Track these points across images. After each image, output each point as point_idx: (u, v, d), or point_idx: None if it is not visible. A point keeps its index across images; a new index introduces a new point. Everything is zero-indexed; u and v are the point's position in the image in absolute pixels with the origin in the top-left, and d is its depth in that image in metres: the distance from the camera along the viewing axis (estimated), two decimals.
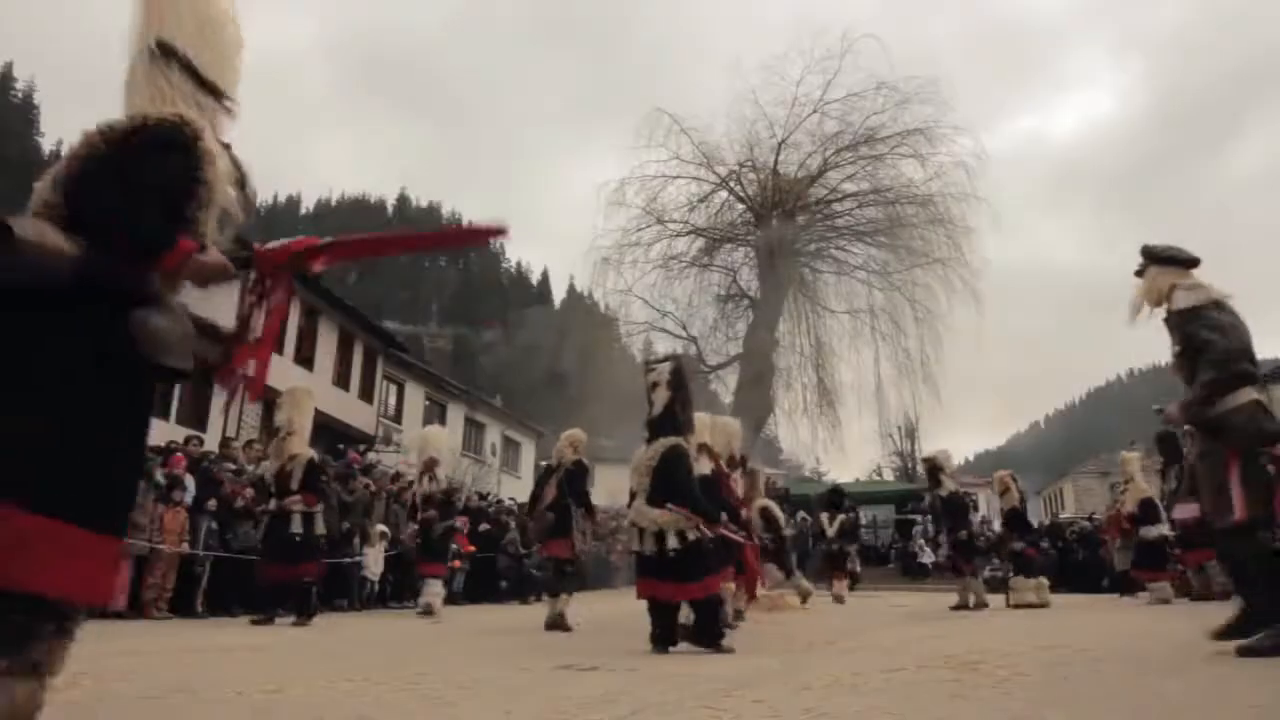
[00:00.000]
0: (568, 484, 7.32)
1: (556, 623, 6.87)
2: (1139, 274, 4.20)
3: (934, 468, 10.06)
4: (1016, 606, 9.20)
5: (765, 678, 3.53)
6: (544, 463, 32.73)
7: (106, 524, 1.80)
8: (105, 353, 1.79)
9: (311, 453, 7.99)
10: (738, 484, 7.54)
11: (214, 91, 2.15)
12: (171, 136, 1.94)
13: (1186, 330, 3.84)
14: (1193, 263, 4.10)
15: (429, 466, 9.54)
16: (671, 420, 5.16)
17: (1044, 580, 9.95)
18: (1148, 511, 9.92)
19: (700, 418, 6.55)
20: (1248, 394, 3.70)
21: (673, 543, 4.85)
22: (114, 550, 1.82)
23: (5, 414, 1.67)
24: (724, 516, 6.03)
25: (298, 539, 7.56)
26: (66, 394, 1.74)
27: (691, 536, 4.90)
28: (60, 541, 1.68)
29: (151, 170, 1.89)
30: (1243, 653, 3.49)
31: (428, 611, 9.04)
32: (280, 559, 7.57)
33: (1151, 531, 9.83)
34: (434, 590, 9.32)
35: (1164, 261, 4.11)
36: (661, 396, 5.19)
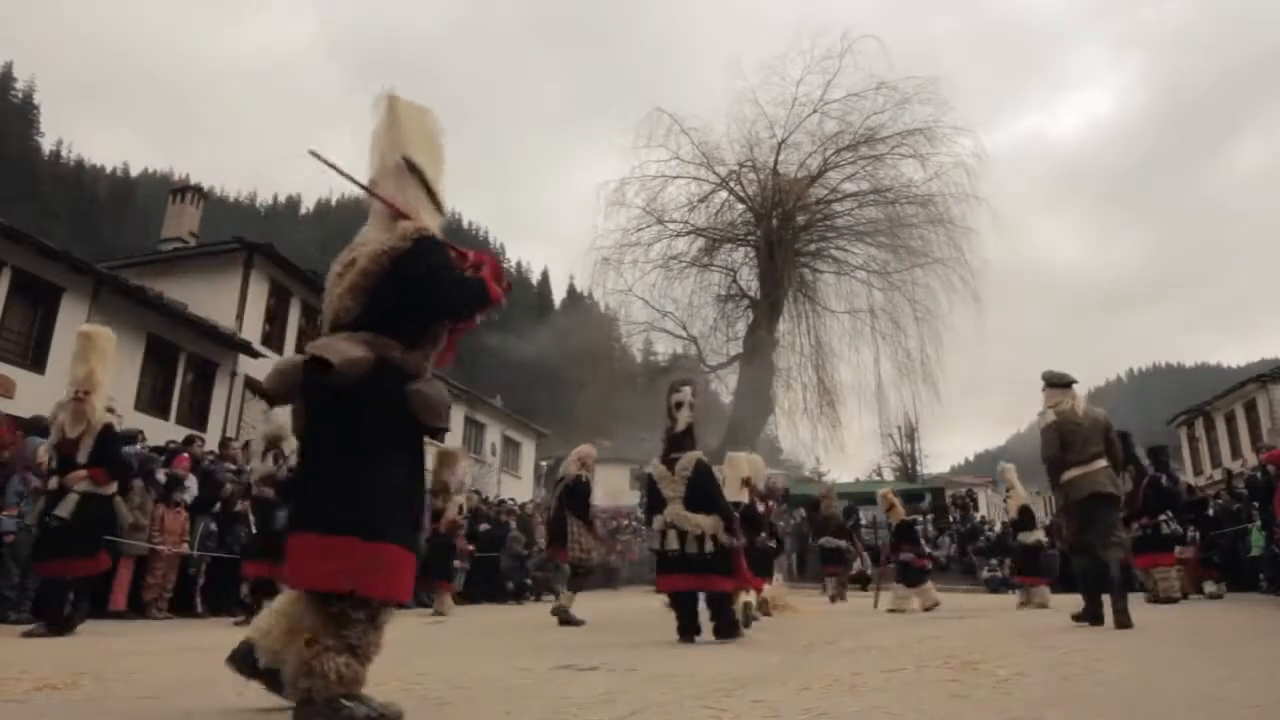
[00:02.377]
0: (566, 499, 8.20)
1: (564, 618, 7.42)
2: (1043, 390, 6.39)
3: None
4: (891, 610, 9.52)
5: (765, 678, 3.53)
6: (544, 463, 32.72)
7: (410, 544, 2.45)
8: (398, 419, 2.45)
9: (110, 418, 6.36)
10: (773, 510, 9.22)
11: (435, 199, 2.70)
12: (441, 252, 2.56)
13: (1041, 439, 6.35)
14: (1069, 383, 6.33)
15: (274, 443, 7.68)
16: (691, 437, 5.92)
17: (929, 585, 10.19)
18: (1025, 518, 10.45)
19: (740, 458, 8.22)
20: (1071, 473, 6.05)
21: (709, 546, 5.58)
22: (412, 561, 2.45)
23: (346, 473, 2.35)
24: (764, 533, 7.97)
25: (60, 524, 5.90)
26: (381, 455, 2.41)
27: (721, 540, 5.66)
28: (379, 559, 2.32)
29: (441, 286, 2.51)
30: (1075, 618, 6.11)
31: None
32: (51, 553, 6.03)
33: (1029, 537, 10.33)
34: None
35: (1049, 384, 6.34)
36: (685, 415, 5.94)
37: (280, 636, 2.32)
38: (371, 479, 2.38)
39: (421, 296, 2.48)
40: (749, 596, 7.15)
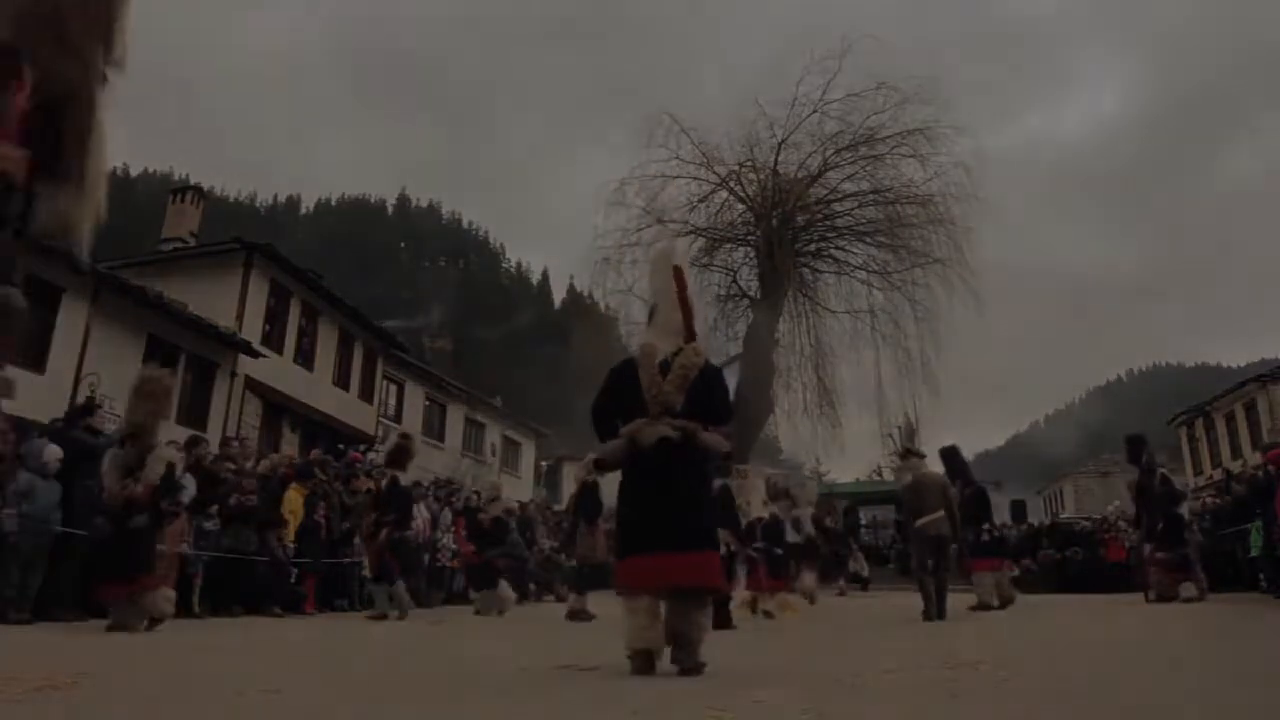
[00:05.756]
0: (580, 502, 8.97)
1: (577, 614, 7.85)
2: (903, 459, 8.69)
3: None
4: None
5: (765, 678, 3.53)
6: (545, 463, 32.57)
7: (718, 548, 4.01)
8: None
9: None
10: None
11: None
12: (725, 380, 3.97)
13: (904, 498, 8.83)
14: (923, 455, 8.85)
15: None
16: None
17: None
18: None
19: (760, 484, 10.47)
20: (924, 519, 8.11)
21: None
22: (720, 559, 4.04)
23: (704, 506, 3.78)
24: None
25: None
26: (710, 493, 4.01)
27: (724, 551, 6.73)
28: (716, 563, 3.79)
29: (728, 406, 4.06)
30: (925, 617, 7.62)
31: None
32: None
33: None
34: None
35: (910, 454, 8.67)
36: None
37: (664, 627, 3.53)
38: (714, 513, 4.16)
39: (716, 406, 3.78)
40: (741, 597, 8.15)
